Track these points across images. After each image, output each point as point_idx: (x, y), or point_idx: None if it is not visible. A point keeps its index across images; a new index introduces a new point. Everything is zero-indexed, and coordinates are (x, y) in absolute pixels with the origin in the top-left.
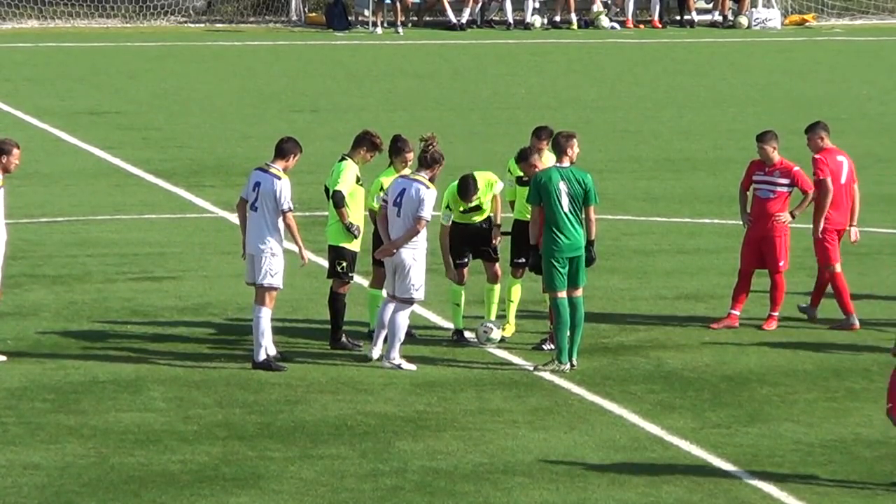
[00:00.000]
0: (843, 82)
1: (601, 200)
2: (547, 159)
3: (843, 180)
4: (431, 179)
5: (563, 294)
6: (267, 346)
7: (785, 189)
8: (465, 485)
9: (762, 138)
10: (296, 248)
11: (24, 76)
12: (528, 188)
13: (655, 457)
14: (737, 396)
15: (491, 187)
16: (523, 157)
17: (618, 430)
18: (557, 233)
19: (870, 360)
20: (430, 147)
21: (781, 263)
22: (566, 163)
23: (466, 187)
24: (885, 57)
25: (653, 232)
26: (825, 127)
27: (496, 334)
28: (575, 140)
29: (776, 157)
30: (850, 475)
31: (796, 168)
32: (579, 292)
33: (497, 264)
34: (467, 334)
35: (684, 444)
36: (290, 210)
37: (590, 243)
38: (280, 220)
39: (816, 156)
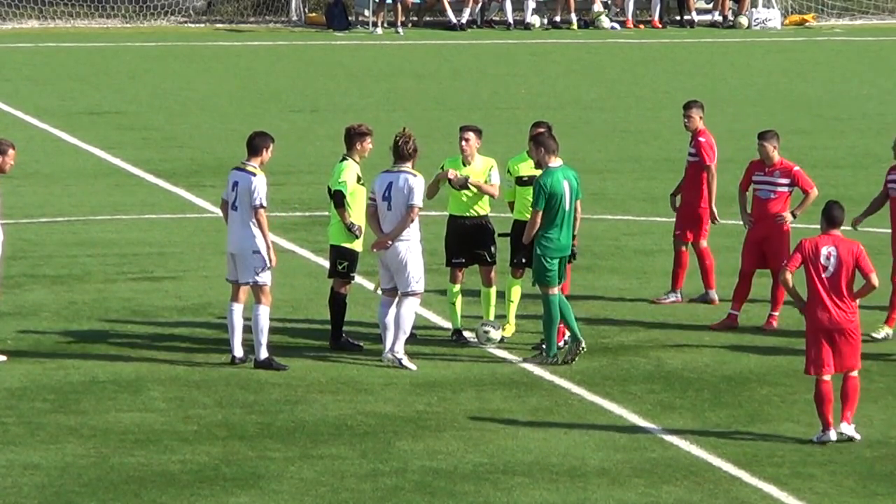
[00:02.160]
0: (842, 82)
1: (601, 200)
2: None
3: (714, 160)
4: None
5: (555, 291)
6: (264, 344)
7: (785, 189)
8: (465, 485)
9: (763, 136)
10: (293, 248)
11: (25, 76)
12: (529, 188)
13: (655, 457)
14: (737, 396)
15: (489, 171)
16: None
17: (618, 430)
18: (560, 231)
19: (869, 361)
20: (409, 140)
21: (784, 263)
22: (559, 161)
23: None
24: (885, 57)
25: (653, 232)
26: (703, 106)
27: (496, 334)
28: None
29: (776, 156)
30: (850, 475)
31: (796, 168)
32: (559, 290)
33: (493, 268)
34: (467, 334)
35: (684, 444)
36: (261, 206)
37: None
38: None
39: (702, 139)
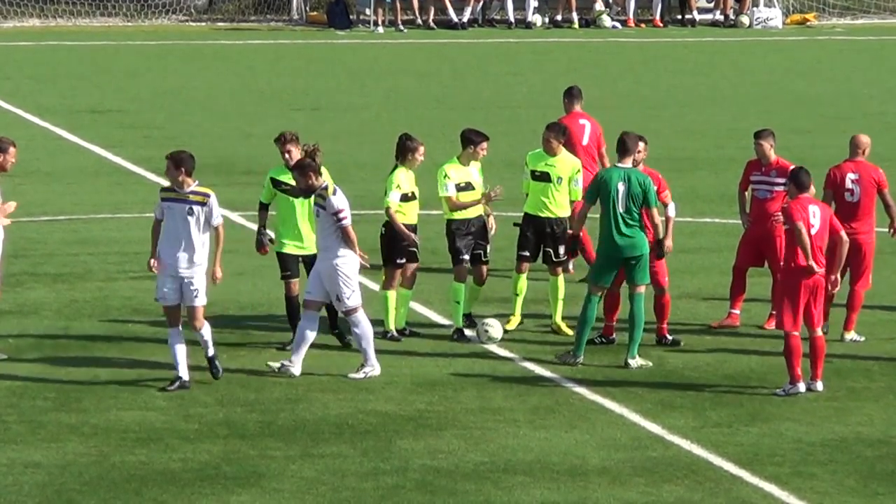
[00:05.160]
0: (844, 81)
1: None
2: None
3: (584, 142)
4: None
5: (598, 292)
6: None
7: (783, 188)
8: (466, 484)
9: (760, 135)
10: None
11: (26, 74)
12: (542, 184)
13: (656, 456)
14: (738, 395)
15: (480, 171)
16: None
17: (619, 428)
18: (613, 232)
19: (870, 360)
20: (317, 154)
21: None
22: (628, 163)
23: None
24: (887, 56)
25: None
26: (577, 94)
27: (496, 333)
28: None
29: (772, 155)
30: (851, 474)
31: (793, 167)
32: (641, 289)
33: (485, 267)
34: (468, 333)
35: (685, 443)
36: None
37: (657, 243)
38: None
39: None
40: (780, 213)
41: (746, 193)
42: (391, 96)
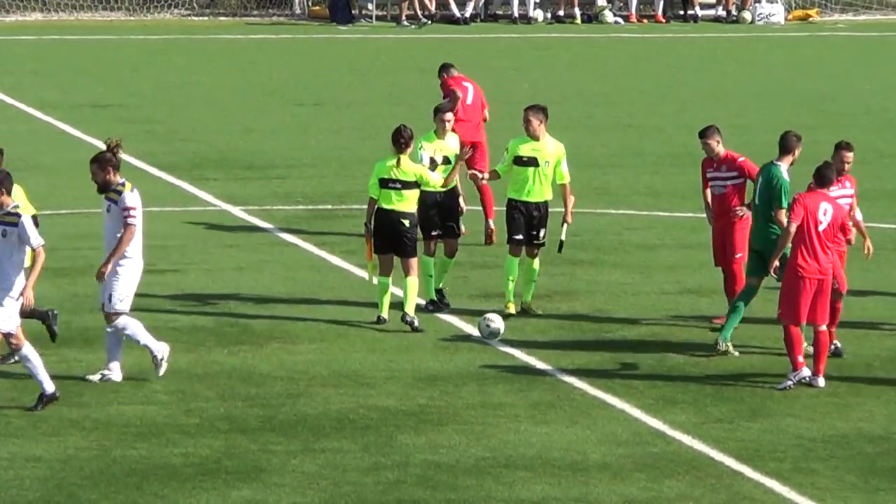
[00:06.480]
0: (846, 78)
1: (604, 195)
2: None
3: (469, 101)
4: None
5: (752, 280)
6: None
7: (734, 182)
8: (467, 479)
9: (704, 134)
10: (296, 241)
11: (28, 69)
12: (529, 168)
13: (657, 451)
14: (739, 391)
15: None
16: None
17: (620, 424)
18: (752, 222)
19: (872, 356)
20: (118, 150)
21: (739, 255)
22: (783, 162)
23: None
24: (889, 52)
25: (655, 226)
26: (449, 64)
27: (498, 327)
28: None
29: (721, 150)
30: (851, 470)
31: (741, 159)
32: (752, 280)
33: (456, 241)
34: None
35: (686, 439)
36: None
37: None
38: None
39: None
40: (736, 209)
41: (708, 191)
42: (393, 91)
